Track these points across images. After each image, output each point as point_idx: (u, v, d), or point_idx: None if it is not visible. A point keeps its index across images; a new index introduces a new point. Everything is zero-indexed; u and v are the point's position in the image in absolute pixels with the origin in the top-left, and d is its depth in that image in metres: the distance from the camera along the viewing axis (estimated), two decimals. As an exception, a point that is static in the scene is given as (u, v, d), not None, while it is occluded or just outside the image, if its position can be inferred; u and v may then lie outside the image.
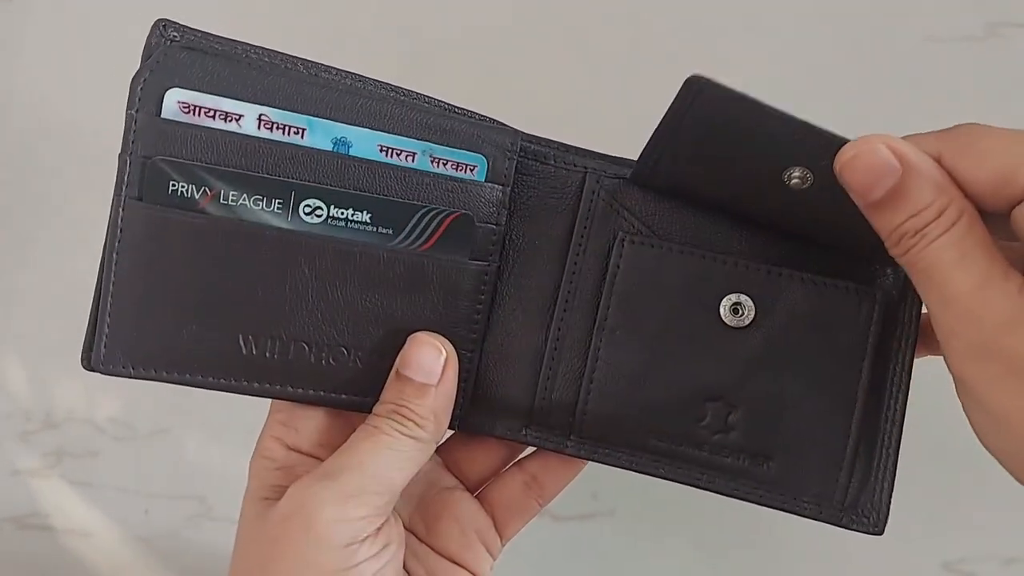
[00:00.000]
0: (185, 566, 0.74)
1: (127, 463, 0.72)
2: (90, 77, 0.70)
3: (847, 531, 0.38)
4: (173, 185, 0.35)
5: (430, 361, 0.37)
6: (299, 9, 0.67)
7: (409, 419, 0.36)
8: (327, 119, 0.36)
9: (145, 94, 0.35)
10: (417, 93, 0.38)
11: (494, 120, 0.39)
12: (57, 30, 0.70)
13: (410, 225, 0.37)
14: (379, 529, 0.36)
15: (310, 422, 0.39)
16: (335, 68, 0.37)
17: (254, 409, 0.70)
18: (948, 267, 0.31)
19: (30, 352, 0.72)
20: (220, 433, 0.72)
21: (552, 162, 0.39)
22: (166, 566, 0.74)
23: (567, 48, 0.67)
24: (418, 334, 0.37)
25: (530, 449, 0.43)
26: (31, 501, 0.73)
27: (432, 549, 0.42)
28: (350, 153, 0.36)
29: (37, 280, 0.72)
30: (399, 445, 0.36)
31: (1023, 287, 0.30)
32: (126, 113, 0.35)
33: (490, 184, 0.38)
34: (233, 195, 0.35)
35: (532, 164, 0.39)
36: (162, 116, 0.35)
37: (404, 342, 0.37)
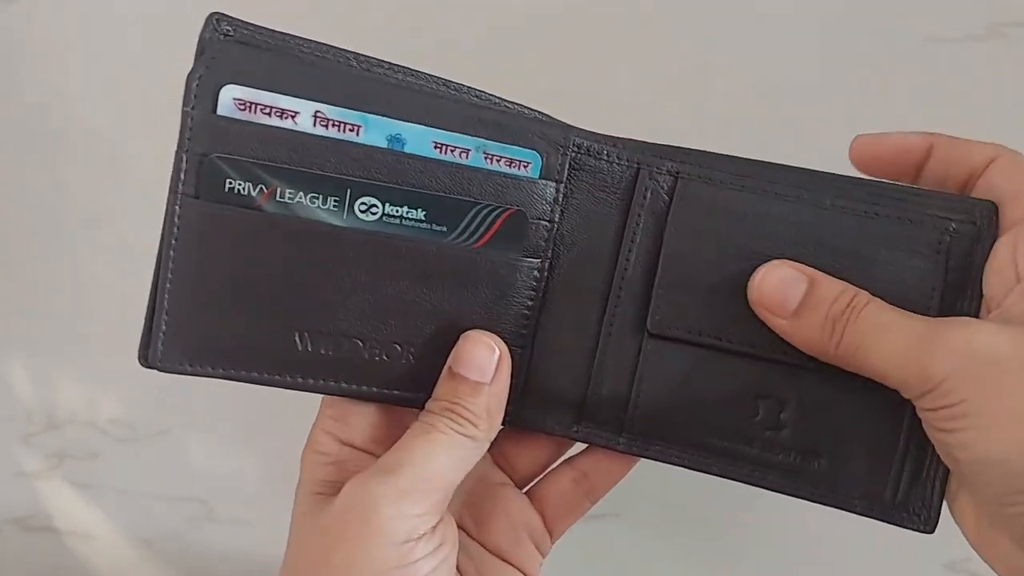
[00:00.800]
0: (186, 567, 0.74)
1: (128, 465, 0.72)
2: (92, 80, 0.69)
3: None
4: (230, 183, 0.35)
5: (483, 359, 0.37)
6: (304, 11, 0.66)
7: (463, 417, 0.36)
8: (382, 116, 0.36)
9: (200, 91, 0.34)
10: (469, 87, 0.38)
11: (546, 115, 0.39)
12: (60, 32, 0.69)
13: (464, 222, 0.37)
14: (434, 527, 0.36)
15: (362, 418, 0.39)
16: (387, 62, 0.37)
17: (254, 410, 0.70)
18: (894, 321, 0.35)
19: (31, 354, 0.72)
20: (221, 435, 0.71)
21: (605, 157, 0.39)
22: (167, 567, 0.74)
23: (577, 48, 0.67)
24: (471, 332, 0.38)
25: (580, 446, 0.43)
26: (33, 503, 0.73)
27: (482, 546, 0.42)
28: (405, 150, 0.36)
29: (38, 282, 0.71)
30: (453, 443, 0.36)
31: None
32: (182, 110, 0.35)
33: (544, 181, 0.38)
34: (290, 193, 0.35)
35: (584, 159, 0.39)
36: (218, 113, 0.34)
37: (457, 339, 0.37)
